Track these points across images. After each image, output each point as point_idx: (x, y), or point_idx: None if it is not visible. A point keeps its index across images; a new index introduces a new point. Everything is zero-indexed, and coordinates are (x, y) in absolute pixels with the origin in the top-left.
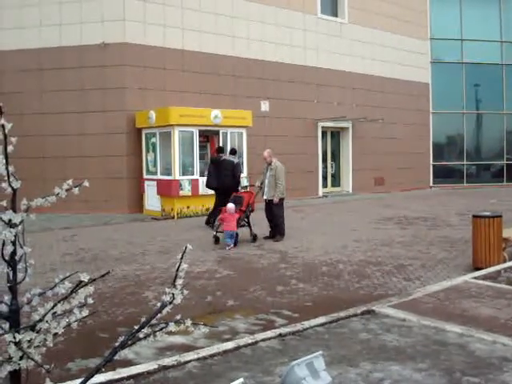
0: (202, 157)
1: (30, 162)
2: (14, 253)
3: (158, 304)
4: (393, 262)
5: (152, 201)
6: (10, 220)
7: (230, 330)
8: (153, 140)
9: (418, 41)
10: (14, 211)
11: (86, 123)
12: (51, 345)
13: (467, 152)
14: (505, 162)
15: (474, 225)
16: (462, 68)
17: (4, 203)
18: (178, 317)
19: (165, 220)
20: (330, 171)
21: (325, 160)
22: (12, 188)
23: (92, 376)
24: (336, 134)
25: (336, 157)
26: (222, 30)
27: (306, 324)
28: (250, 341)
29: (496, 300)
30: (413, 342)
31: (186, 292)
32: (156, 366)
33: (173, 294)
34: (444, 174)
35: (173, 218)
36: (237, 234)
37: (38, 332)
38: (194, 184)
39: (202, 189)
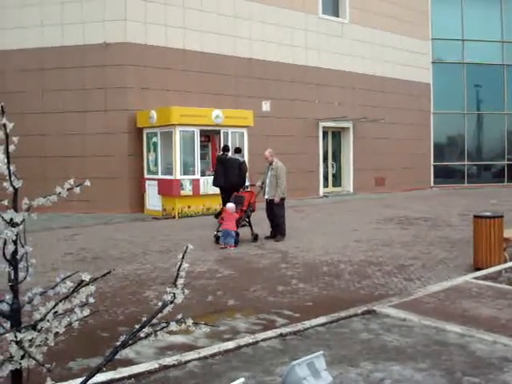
0: (203, 156)
1: (31, 161)
2: (15, 252)
3: (159, 303)
4: (393, 262)
5: (153, 200)
6: (11, 219)
7: (230, 330)
8: (154, 140)
9: (419, 41)
10: (16, 210)
11: (88, 123)
12: (52, 344)
13: (468, 152)
14: (506, 162)
15: (475, 225)
16: (463, 68)
17: (5, 202)
18: (179, 316)
19: (166, 220)
20: (330, 171)
21: (326, 160)
22: (13, 187)
23: (93, 375)
24: (337, 134)
25: (337, 157)
26: (223, 30)
27: (307, 324)
28: (250, 340)
29: (496, 300)
30: (413, 342)
31: (187, 291)
32: (157, 366)
33: (174, 294)
34: (445, 175)
35: (174, 217)
36: (237, 234)
37: (39, 331)
38: (195, 184)
39: (203, 188)
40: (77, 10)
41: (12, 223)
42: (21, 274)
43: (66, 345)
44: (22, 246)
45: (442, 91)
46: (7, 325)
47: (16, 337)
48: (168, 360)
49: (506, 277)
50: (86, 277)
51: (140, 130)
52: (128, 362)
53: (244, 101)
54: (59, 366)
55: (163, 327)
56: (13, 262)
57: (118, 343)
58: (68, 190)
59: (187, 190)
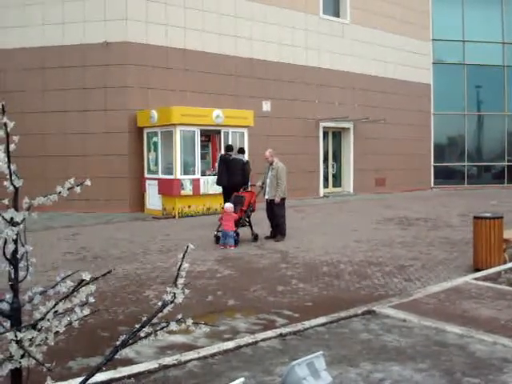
0: (203, 156)
1: (31, 160)
2: (15, 251)
3: (159, 303)
4: (393, 262)
5: (153, 200)
6: (11, 218)
7: (230, 330)
8: (154, 139)
9: (419, 42)
10: (16, 209)
11: (88, 122)
12: (52, 343)
13: (468, 153)
14: (506, 163)
15: (475, 226)
16: (464, 69)
17: (6, 201)
18: (179, 316)
19: (166, 219)
20: (331, 171)
21: (326, 160)
22: (14, 186)
23: (93, 374)
24: (337, 135)
25: (337, 157)
26: (224, 30)
27: (307, 324)
28: (250, 340)
29: (496, 301)
30: (413, 343)
31: (187, 291)
32: (157, 365)
33: (174, 293)
34: (445, 175)
35: (174, 217)
36: (237, 234)
37: (39, 330)
38: (196, 183)
39: (204, 188)
40: (78, 9)
41: (12, 222)
42: (21, 273)
43: (65, 344)
44: (23, 245)
45: (442, 92)
46: (7, 324)
47: (16, 336)
48: (168, 360)
49: (505, 278)
50: (87, 276)
51: (140, 129)
52: (128, 362)
53: (244, 101)
54: (59, 365)
55: (163, 327)
56: (13, 261)
57: (118, 342)
58: (69, 189)
59: (187, 189)
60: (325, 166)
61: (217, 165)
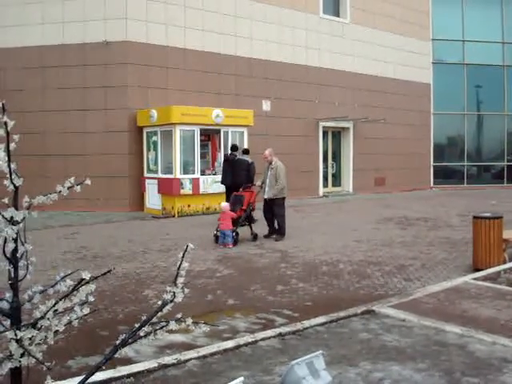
0: (203, 156)
1: (31, 159)
2: (15, 250)
3: (159, 302)
4: (393, 262)
5: (153, 199)
6: (11, 217)
7: (230, 329)
8: (154, 138)
9: (419, 41)
10: (16, 208)
11: (88, 121)
12: (52, 342)
13: (468, 153)
14: (505, 163)
15: (475, 226)
16: (464, 69)
17: (6, 200)
18: (179, 315)
19: (165, 218)
20: (330, 171)
21: (326, 160)
22: (14, 185)
23: (93, 373)
24: (337, 134)
25: (337, 157)
26: (224, 30)
27: (306, 323)
28: (250, 340)
29: (496, 301)
30: (413, 343)
31: (186, 291)
32: (156, 365)
33: (174, 293)
34: (445, 175)
35: (173, 216)
36: (237, 233)
37: (39, 329)
38: (195, 183)
39: (203, 187)
40: (78, 8)
41: (12, 221)
42: (21, 272)
43: (65, 343)
44: (23, 244)
45: (442, 92)
46: (7, 323)
47: (16, 335)
48: (167, 359)
49: (505, 277)
50: (87, 275)
51: (140, 128)
52: (127, 361)
53: (244, 100)
54: (58, 364)
55: (163, 326)
56: (13, 260)
57: (118, 342)
58: (68, 188)
59: (187, 188)
60: (324, 165)
61: (216, 164)
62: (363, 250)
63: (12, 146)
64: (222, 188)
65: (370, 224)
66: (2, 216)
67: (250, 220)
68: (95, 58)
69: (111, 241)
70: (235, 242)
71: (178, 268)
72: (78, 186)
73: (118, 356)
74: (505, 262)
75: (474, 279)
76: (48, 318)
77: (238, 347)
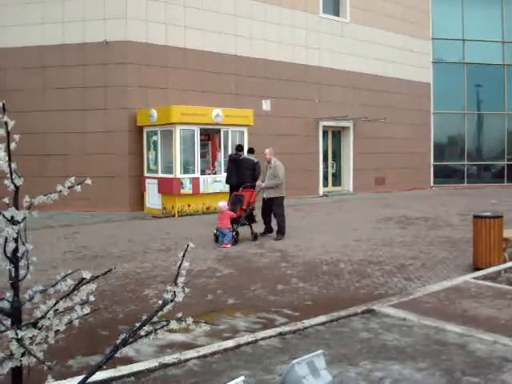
0: (203, 155)
1: (31, 159)
2: (16, 250)
3: (159, 302)
4: (393, 261)
5: (153, 199)
6: (12, 217)
7: (230, 329)
8: (154, 138)
9: (419, 41)
10: (17, 208)
11: (88, 121)
12: (53, 342)
13: (468, 152)
14: (506, 162)
15: (475, 225)
16: (464, 68)
17: (6, 200)
18: (179, 315)
19: (165, 218)
20: (330, 170)
21: (326, 159)
22: (15, 185)
23: (94, 373)
24: (337, 134)
25: (337, 156)
26: (224, 29)
27: (307, 323)
28: (250, 339)
29: (496, 300)
30: (413, 342)
31: (187, 290)
32: (156, 364)
33: (174, 292)
34: (445, 174)
35: (173, 216)
36: (237, 233)
37: (39, 329)
38: (195, 182)
39: (203, 187)
40: (78, 8)
41: (13, 221)
42: (21, 272)
43: (65, 343)
44: (23, 244)
45: (442, 91)
46: (8, 322)
47: (17, 334)
48: (168, 358)
49: (505, 277)
50: (87, 275)
51: (140, 128)
52: (128, 360)
53: (244, 100)
54: (59, 363)
55: (163, 325)
56: (14, 259)
57: (119, 341)
58: (69, 188)
59: (187, 188)
60: (324, 165)
61: (216, 163)
62: (363, 250)
63: (12, 145)
64: (221, 187)
65: (370, 223)
66: (3, 216)
67: (250, 220)
68: (95, 57)
69: (111, 240)
70: (236, 242)
71: (179, 267)
72: (79, 186)
73: (118, 355)
74: (505, 262)
75: (475, 278)
76: (49, 318)
77: (238, 346)
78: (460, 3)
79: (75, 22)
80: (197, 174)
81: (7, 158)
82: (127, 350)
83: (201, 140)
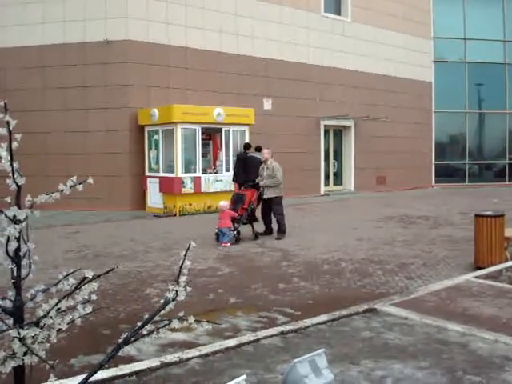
0: (204, 154)
1: (32, 158)
2: (18, 249)
3: (161, 301)
4: (394, 260)
5: (154, 198)
6: (14, 216)
7: (231, 328)
8: (155, 137)
9: (421, 39)
10: (19, 208)
11: (89, 120)
12: (55, 341)
13: (469, 151)
14: (507, 161)
15: (477, 224)
16: (465, 67)
17: (8, 199)
18: (181, 314)
19: (167, 217)
20: (332, 169)
21: (327, 158)
22: (17, 184)
23: (95, 372)
24: (338, 133)
25: (338, 155)
26: (225, 28)
27: (308, 322)
28: (251, 338)
29: (498, 299)
30: (414, 341)
31: (189, 289)
32: (158, 363)
33: (176, 291)
34: (446, 173)
35: (175, 215)
36: (239, 232)
37: (42, 328)
38: (197, 181)
39: (205, 186)
40: (78, 8)
41: (15, 220)
42: (23, 271)
43: (67, 342)
44: (25, 243)
45: (443, 90)
46: (10, 321)
47: (19, 333)
48: (169, 357)
49: (506, 276)
50: (89, 274)
51: (141, 127)
52: (129, 359)
53: (246, 99)
54: (61, 362)
55: (165, 324)
56: (16, 259)
57: (121, 340)
58: (71, 187)
59: (188, 187)
60: (326, 164)
61: (218, 162)
62: (365, 249)
63: (14, 145)
64: (223, 187)
65: (372, 222)
66: (5, 215)
67: (251, 219)
68: (96, 57)
69: (113, 240)
70: (237, 241)
71: (181, 266)
72: (81, 185)
73: (120, 354)
74: (506, 261)
75: (476, 277)
76: (51, 317)
77: (239, 345)
78: (461, 2)
79: (76, 21)
80: (198, 174)
81: (9, 158)
82: (129, 349)
83: (202, 139)
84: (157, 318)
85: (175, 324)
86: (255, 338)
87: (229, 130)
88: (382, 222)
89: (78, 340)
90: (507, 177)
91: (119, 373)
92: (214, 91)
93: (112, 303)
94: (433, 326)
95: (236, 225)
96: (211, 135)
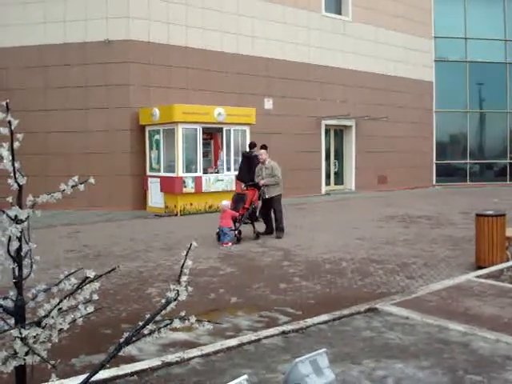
0: (205, 154)
1: (33, 158)
2: (19, 249)
3: (162, 301)
4: (396, 260)
5: (155, 198)
6: (16, 216)
7: (233, 327)
8: (156, 137)
9: (421, 39)
10: (20, 207)
11: (90, 120)
12: (56, 340)
13: (470, 151)
14: (508, 160)
15: (478, 223)
16: (466, 67)
17: (10, 199)
18: (183, 313)
19: (168, 217)
20: (332, 169)
21: (328, 158)
22: (18, 184)
23: (97, 372)
24: (339, 132)
25: (339, 155)
26: (226, 28)
27: (309, 321)
28: (253, 338)
29: (499, 299)
30: (416, 340)
31: (190, 289)
32: (159, 363)
33: (177, 291)
34: (447, 173)
35: (176, 215)
36: (240, 232)
37: (43, 328)
38: (198, 181)
39: (206, 186)
40: (80, 7)
41: (17, 220)
42: (25, 271)
43: (68, 341)
44: (27, 243)
45: (444, 89)
46: (12, 321)
47: (21, 333)
48: (170, 357)
49: (508, 275)
50: (91, 274)
51: (142, 127)
52: (131, 359)
53: (246, 98)
54: (62, 362)
55: (167, 324)
56: (17, 258)
57: (122, 340)
58: (72, 187)
59: (189, 187)
60: (327, 163)
61: (219, 162)
62: (366, 248)
63: (16, 144)
64: (224, 186)
65: (373, 222)
66: (7, 215)
67: (252, 218)
68: (97, 56)
69: (114, 239)
70: (238, 241)
71: (182, 266)
72: (82, 185)
73: (121, 354)
74: (508, 260)
75: (477, 277)
76: (52, 317)
77: (241, 345)
78: (462, 2)
79: (77, 21)
80: (199, 173)
81: (11, 157)
82: (130, 349)
83: (203, 139)
84: (158, 317)
85: (176, 324)
86: (256, 337)
87: (230, 130)
88: (382, 221)
89: (79, 340)
90: (508, 176)
91: (120, 372)
92: (215, 91)
93: (113, 303)
94: (434, 326)
95: (237, 224)
96: (212, 135)
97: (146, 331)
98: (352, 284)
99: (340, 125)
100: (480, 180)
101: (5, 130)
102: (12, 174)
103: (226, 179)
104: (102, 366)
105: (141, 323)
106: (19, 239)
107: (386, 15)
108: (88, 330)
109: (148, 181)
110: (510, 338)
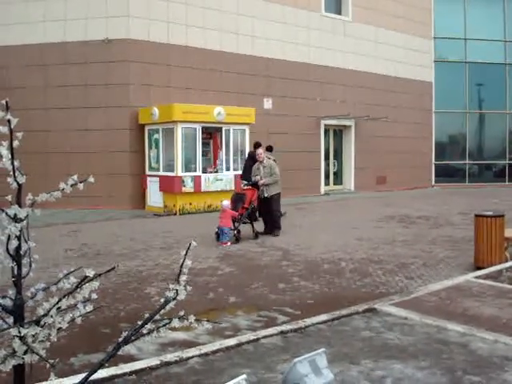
0: (204, 153)
1: (33, 157)
2: (18, 247)
3: (161, 300)
4: (395, 260)
5: (154, 197)
6: (15, 215)
7: (232, 327)
8: (156, 136)
9: (421, 39)
10: (20, 206)
11: (90, 119)
12: (55, 339)
13: (469, 151)
14: (507, 161)
15: (477, 224)
16: (466, 67)
17: (9, 198)
18: (182, 313)
19: (167, 216)
20: (332, 169)
21: (327, 158)
22: (17, 183)
23: (95, 371)
24: (339, 132)
25: (338, 155)
26: (226, 27)
27: (308, 321)
28: (252, 337)
29: (498, 299)
30: (414, 341)
31: (189, 288)
32: (158, 362)
33: (176, 290)
34: (446, 173)
35: (175, 214)
36: (239, 231)
37: (42, 326)
38: (197, 180)
39: (205, 185)
40: (80, 6)
41: (16, 219)
42: (24, 270)
43: (67, 340)
44: (26, 242)
45: (443, 90)
46: (10, 320)
47: (19, 332)
48: (169, 356)
49: (506, 276)
50: (90, 273)
51: (142, 126)
52: (129, 358)
53: (246, 98)
54: (61, 361)
55: (165, 324)
56: (16, 257)
57: (121, 339)
58: (72, 186)
59: (188, 186)
60: (326, 163)
61: (218, 161)
62: (365, 248)
63: (15, 143)
64: (223, 186)
65: (372, 222)
66: (6, 213)
67: (252, 218)
68: (97, 55)
69: (113, 238)
70: (237, 240)
71: (181, 265)
72: (81, 184)
73: (120, 353)
74: (506, 261)
75: (476, 277)
76: (51, 316)
77: (240, 345)
78: (462, 2)
79: (77, 20)
80: (198, 173)
81: (10, 156)
82: (129, 348)
83: (202, 138)
84: (157, 316)
85: (175, 323)
86: (255, 337)
87: (229, 130)
88: (382, 221)
89: (78, 339)
90: (507, 177)
91: (119, 372)
92: (215, 90)
93: (112, 302)
94: (433, 326)
95: (236, 224)
96: (211, 134)
97: (144, 330)
98: (351, 284)
99: (339, 125)
100: (479, 181)
101: (4, 129)
102: (11, 173)
103: (225, 179)
104: (101, 365)
105: (140, 322)
106: (18, 238)
107: (386, 15)
108: (87, 329)
109: (147, 180)
110: (509, 338)
